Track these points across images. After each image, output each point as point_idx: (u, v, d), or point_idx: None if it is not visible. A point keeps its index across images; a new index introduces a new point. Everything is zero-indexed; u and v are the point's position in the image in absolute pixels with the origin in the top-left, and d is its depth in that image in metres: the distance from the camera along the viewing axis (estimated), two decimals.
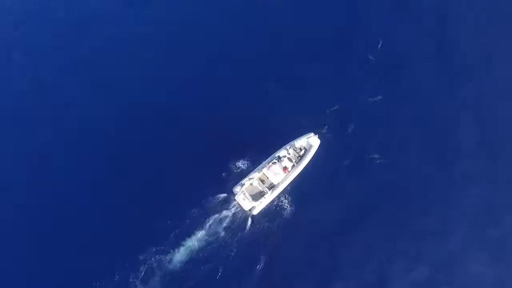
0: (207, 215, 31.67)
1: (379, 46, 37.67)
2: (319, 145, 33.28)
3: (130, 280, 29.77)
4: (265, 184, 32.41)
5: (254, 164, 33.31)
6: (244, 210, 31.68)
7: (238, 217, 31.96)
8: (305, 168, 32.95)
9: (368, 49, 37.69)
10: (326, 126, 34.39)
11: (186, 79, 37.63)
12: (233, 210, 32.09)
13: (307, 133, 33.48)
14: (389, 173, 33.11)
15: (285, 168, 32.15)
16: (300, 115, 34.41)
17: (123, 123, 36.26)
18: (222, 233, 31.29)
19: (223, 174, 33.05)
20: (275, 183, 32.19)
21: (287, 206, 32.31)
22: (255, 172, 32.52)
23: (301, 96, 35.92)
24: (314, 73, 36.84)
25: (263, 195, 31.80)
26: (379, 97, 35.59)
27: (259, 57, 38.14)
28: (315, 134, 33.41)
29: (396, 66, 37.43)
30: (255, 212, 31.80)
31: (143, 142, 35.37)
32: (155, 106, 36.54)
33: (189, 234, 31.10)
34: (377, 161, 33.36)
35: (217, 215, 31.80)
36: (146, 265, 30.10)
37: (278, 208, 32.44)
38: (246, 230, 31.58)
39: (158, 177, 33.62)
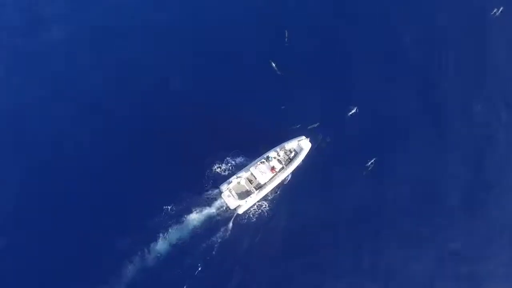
0: (191, 211, 31.35)
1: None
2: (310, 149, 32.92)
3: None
4: (253, 184, 32.03)
5: (244, 165, 33.01)
6: (229, 209, 31.30)
7: (222, 215, 31.60)
8: (295, 170, 32.64)
9: None
10: (318, 123, 34.24)
11: (178, 78, 36.42)
12: (218, 208, 31.75)
13: (298, 135, 33.20)
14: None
15: (272, 168, 31.80)
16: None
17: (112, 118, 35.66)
18: (205, 231, 30.98)
19: (211, 173, 32.80)
20: (262, 183, 31.77)
21: (270, 210, 32.14)
22: (243, 171, 32.21)
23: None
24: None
25: (249, 195, 31.43)
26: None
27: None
28: (307, 137, 33.13)
29: None
30: (240, 211, 31.35)
31: (132, 137, 34.92)
32: (145, 105, 36.07)
33: (170, 229, 31.00)
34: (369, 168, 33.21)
35: (202, 212, 31.46)
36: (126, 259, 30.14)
37: (262, 211, 32.22)
38: (229, 229, 31.15)
39: (144, 172, 33.33)
